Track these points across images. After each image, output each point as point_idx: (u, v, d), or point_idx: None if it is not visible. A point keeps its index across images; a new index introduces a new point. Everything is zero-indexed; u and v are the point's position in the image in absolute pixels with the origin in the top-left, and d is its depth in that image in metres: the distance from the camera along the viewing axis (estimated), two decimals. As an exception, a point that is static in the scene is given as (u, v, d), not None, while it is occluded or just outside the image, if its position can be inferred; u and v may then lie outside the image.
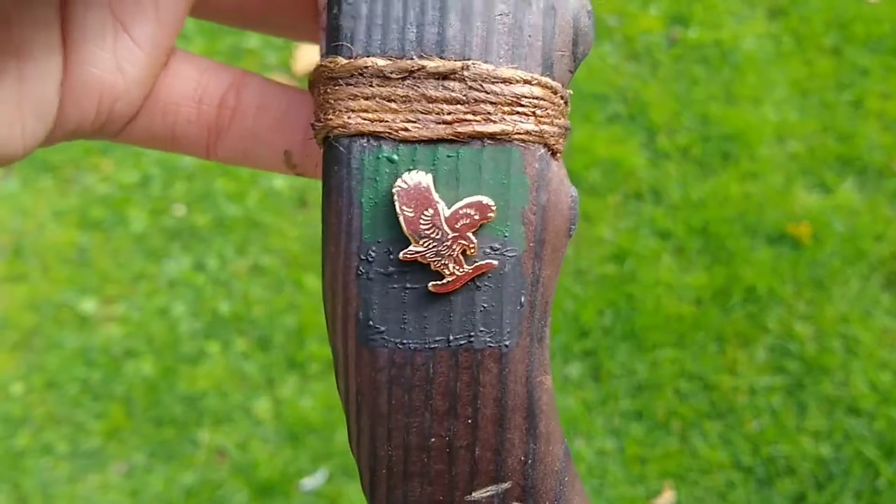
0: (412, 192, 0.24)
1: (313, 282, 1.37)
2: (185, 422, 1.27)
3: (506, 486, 0.25)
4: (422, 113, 0.24)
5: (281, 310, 1.35)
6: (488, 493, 0.25)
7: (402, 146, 0.24)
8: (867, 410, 1.22)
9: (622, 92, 1.54)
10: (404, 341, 0.24)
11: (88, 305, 1.38)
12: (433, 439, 0.24)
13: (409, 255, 0.24)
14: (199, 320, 1.35)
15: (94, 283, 1.40)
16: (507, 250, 0.24)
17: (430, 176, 0.24)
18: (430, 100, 0.24)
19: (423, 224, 0.24)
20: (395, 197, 0.24)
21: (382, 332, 0.24)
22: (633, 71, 1.58)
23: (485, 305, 0.24)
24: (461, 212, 0.24)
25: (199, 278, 1.39)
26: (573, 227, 0.26)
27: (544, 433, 0.25)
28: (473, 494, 0.25)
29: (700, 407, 1.24)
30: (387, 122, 0.24)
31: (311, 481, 1.21)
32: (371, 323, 0.24)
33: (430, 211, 0.24)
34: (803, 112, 1.51)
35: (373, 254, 0.24)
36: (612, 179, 1.44)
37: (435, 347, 0.24)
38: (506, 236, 0.24)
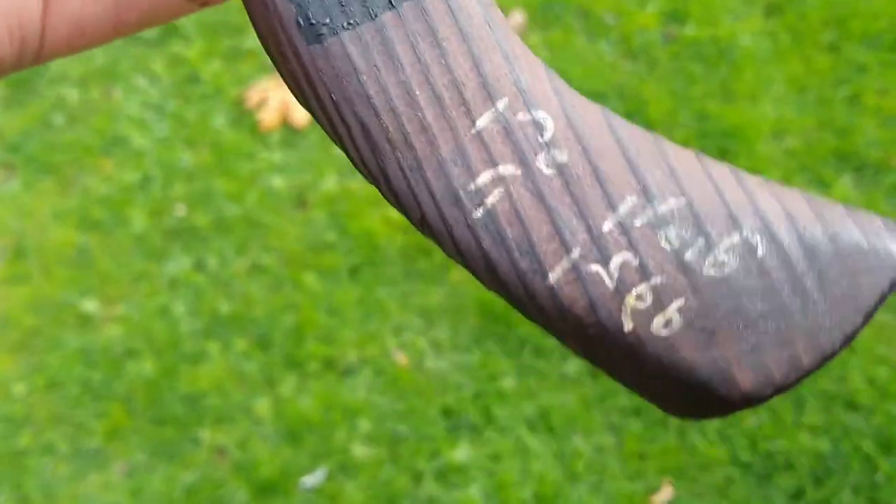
0: None
1: (312, 281, 1.38)
2: (186, 421, 1.27)
3: (503, 103, 0.25)
4: None
5: (280, 309, 1.36)
6: (491, 115, 0.24)
7: None
8: (865, 405, 1.22)
9: (619, 90, 1.55)
10: (350, 22, 0.24)
11: (89, 306, 1.39)
12: (417, 92, 0.24)
13: None
14: (200, 320, 1.36)
15: (94, 283, 1.41)
16: None
17: None
18: None
19: None
20: None
21: (327, 23, 0.24)
22: (631, 69, 1.58)
23: None
24: None
25: (199, 278, 1.40)
26: None
27: (520, 53, 0.25)
28: (477, 123, 0.24)
29: (698, 403, 1.24)
30: None
31: (311, 479, 1.22)
32: (313, 21, 0.24)
33: None
34: (801, 108, 1.51)
35: None
36: (609, 177, 1.45)
37: (380, 14, 0.24)
38: None
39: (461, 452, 1.23)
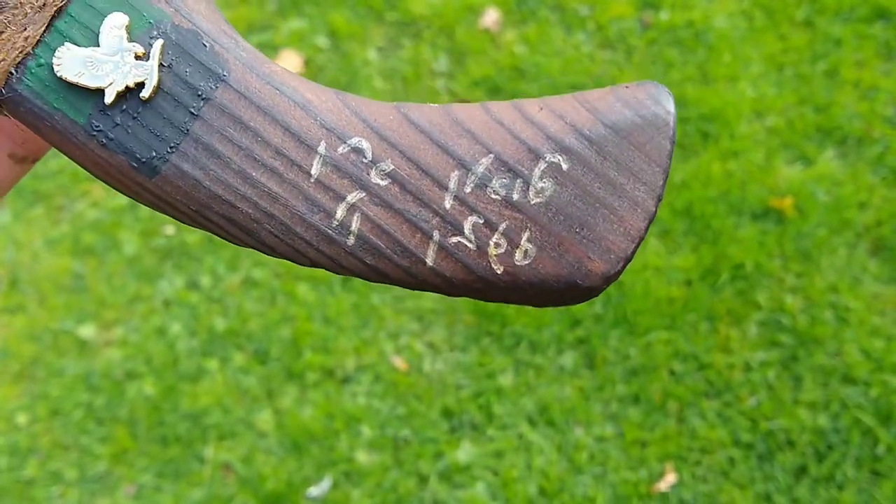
0: (70, 60, 0.27)
1: (306, 292, 1.38)
2: (190, 439, 1.28)
3: (322, 146, 0.29)
4: (19, 17, 0.28)
5: (275, 322, 1.36)
6: (318, 161, 0.29)
7: (39, 49, 0.28)
8: (862, 378, 1.23)
9: (598, 80, 1.55)
10: (172, 145, 0.28)
11: (87, 331, 1.39)
12: (253, 174, 0.29)
13: (111, 96, 0.28)
14: (197, 338, 1.36)
15: (90, 308, 1.41)
16: (161, 25, 0.28)
17: (70, 45, 0.28)
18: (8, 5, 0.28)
19: (101, 69, 0.28)
20: (61, 73, 0.27)
21: (154, 156, 0.28)
22: (608, 58, 1.58)
23: (178, 63, 0.28)
24: (113, 36, 0.28)
25: (193, 296, 1.40)
26: None
27: (312, 97, 0.30)
28: (312, 173, 0.29)
29: (696, 387, 1.25)
30: (14, 42, 0.28)
31: (317, 489, 1.22)
32: (144, 159, 0.28)
33: (96, 55, 0.28)
34: (780, 86, 1.51)
35: (95, 123, 0.28)
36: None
37: (190, 127, 0.28)
38: (150, 22, 0.28)
39: (464, 452, 1.24)
